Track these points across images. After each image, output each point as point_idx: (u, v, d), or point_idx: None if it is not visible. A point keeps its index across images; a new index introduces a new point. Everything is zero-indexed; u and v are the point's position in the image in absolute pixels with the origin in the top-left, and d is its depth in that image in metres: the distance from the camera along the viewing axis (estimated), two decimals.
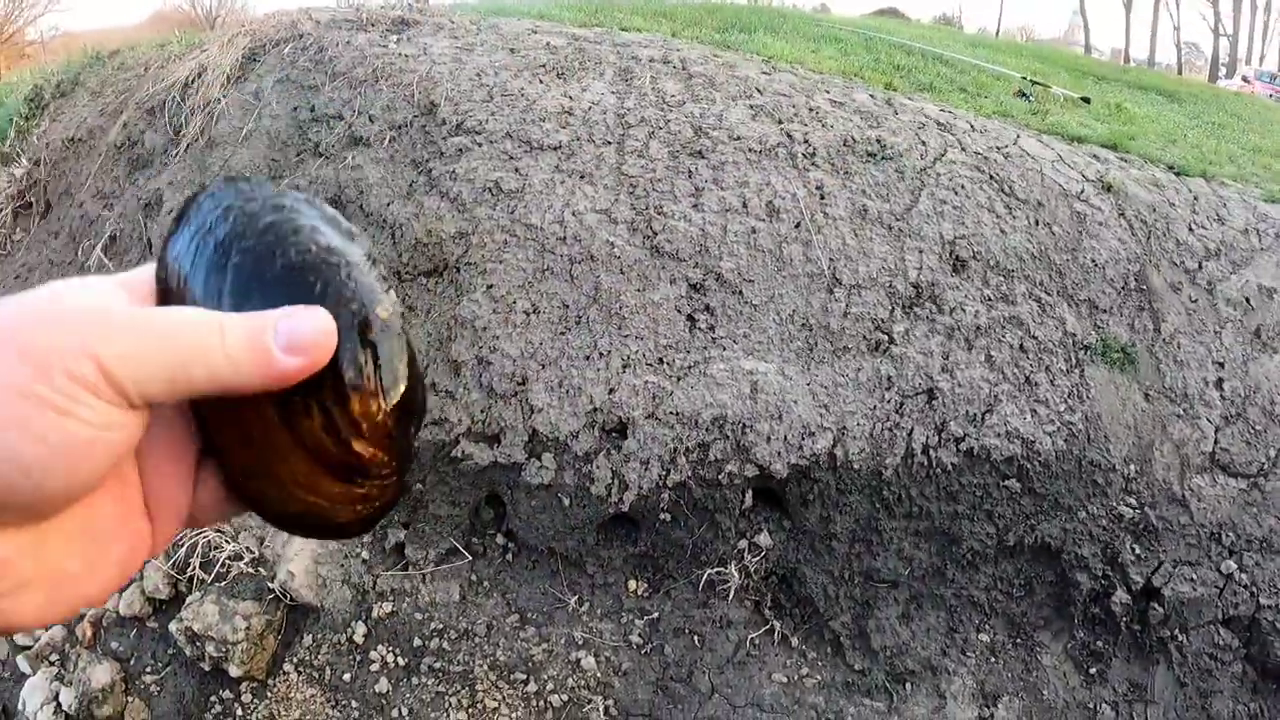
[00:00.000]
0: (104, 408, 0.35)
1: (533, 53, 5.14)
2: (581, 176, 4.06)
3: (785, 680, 3.31)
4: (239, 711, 3.47)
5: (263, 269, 0.40)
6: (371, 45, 5.10)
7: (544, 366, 3.47)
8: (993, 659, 3.44)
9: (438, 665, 3.28)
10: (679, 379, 3.48)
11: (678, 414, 3.40)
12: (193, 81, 5.33)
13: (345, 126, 4.56)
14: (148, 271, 0.43)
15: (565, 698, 3.20)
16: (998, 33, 35.93)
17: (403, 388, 0.42)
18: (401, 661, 3.31)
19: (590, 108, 4.50)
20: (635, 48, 5.36)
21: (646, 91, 4.73)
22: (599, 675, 3.26)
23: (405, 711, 3.24)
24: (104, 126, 5.73)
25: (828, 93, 4.99)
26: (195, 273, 0.41)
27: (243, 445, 0.40)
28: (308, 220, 0.42)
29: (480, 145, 4.24)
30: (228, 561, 3.50)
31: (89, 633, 3.93)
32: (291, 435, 0.40)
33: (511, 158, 4.15)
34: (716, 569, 3.38)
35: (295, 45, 5.33)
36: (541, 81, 4.78)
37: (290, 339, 0.38)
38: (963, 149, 4.50)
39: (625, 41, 5.53)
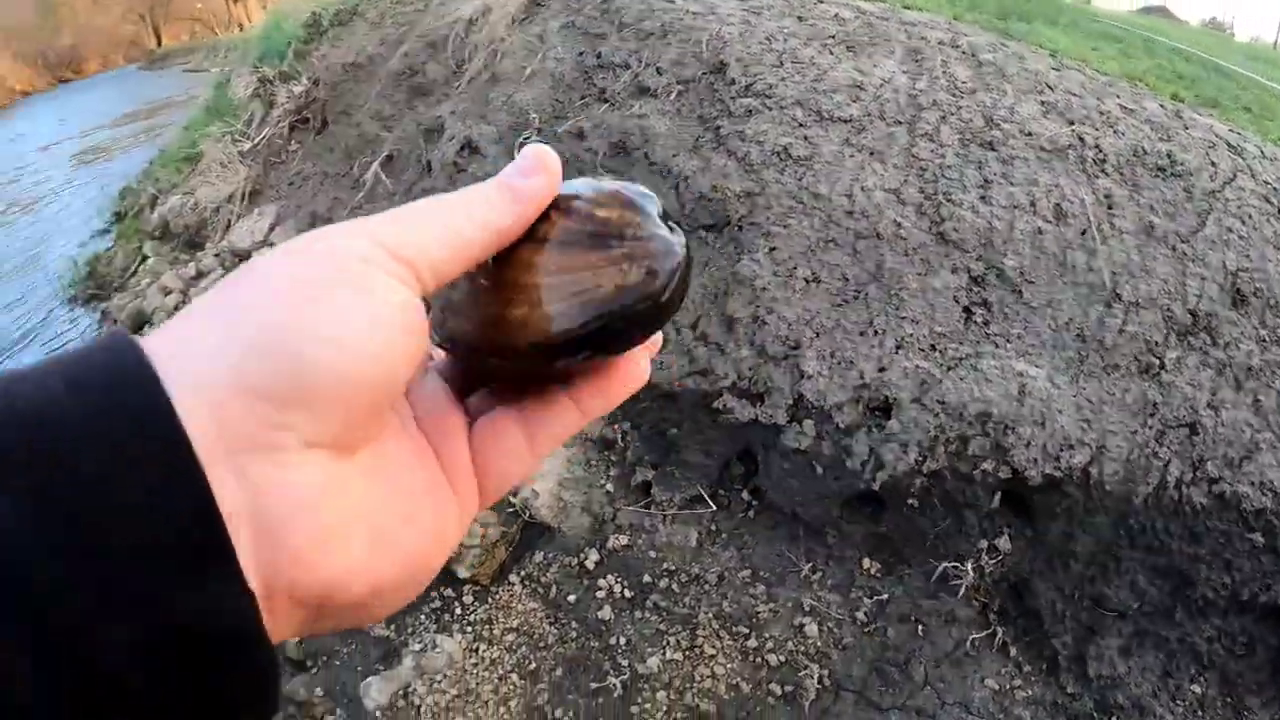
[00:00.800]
0: (397, 284, 0.38)
1: (821, 23, 5.68)
2: (871, 153, 4.53)
3: (996, 688, 3.61)
4: (458, 609, 4.08)
5: None
6: (658, 0, 5.82)
7: (818, 335, 3.94)
8: (1200, 713, 3.63)
9: (663, 604, 3.78)
10: (949, 369, 3.87)
11: (943, 403, 3.79)
12: (476, 20, 6.20)
13: (632, 76, 5.24)
14: None
15: (782, 659, 3.62)
16: (1276, 44, 34.05)
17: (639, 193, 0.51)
18: (628, 594, 3.79)
19: (881, 85, 4.98)
20: (922, 28, 5.79)
21: (938, 75, 5.16)
22: (819, 644, 3.65)
23: (623, 641, 3.75)
24: (384, 55, 6.73)
25: (1118, 97, 5.17)
26: None
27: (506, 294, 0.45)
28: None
29: (769, 109, 4.80)
30: None
31: None
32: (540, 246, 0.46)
33: (801, 125, 4.69)
34: (953, 563, 3.72)
35: None
36: (831, 53, 5.30)
37: (520, 166, 0.46)
38: (1253, 176, 4.60)
39: (912, 21, 5.98)
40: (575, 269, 0.45)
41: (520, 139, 5.05)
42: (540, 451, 0.49)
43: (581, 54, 5.44)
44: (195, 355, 0.33)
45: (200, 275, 7.55)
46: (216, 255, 7.60)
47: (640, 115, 4.76)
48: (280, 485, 0.34)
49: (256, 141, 8.01)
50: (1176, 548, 3.61)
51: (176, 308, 7.26)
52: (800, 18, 5.73)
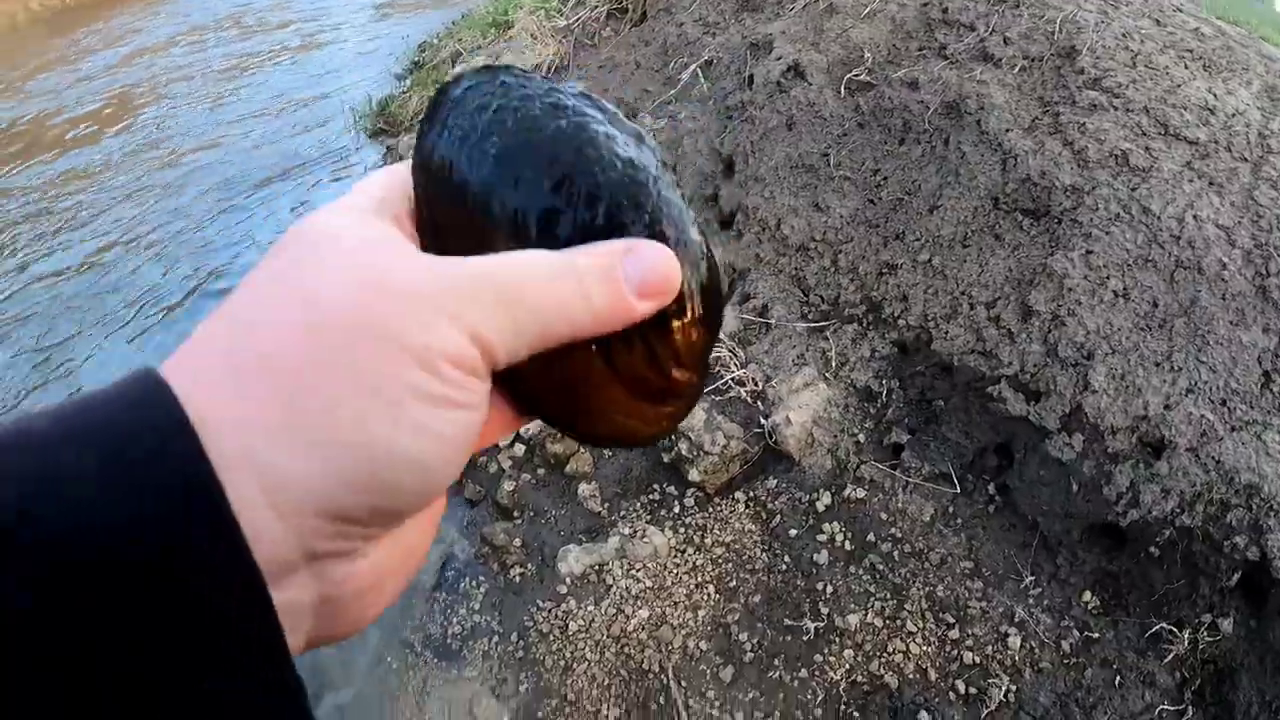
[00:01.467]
0: (479, 385, 0.41)
1: (1179, 33, 5.83)
2: (1211, 183, 4.74)
3: None
4: (676, 508, 4.57)
5: (564, 191, 0.45)
6: None
7: (1113, 352, 4.24)
8: None
9: (880, 567, 4.18)
10: (1233, 429, 4.12)
11: (1218, 462, 4.05)
12: None
13: (976, 39, 5.53)
14: (388, 184, 0.49)
15: (977, 660, 3.93)
16: None
17: (716, 309, 0.51)
18: (849, 547, 4.02)
19: (1233, 115, 5.14)
20: None
21: None
22: (1016, 658, 3.96)
23: (830, 590, 4.12)
24: None
25: None
26: (489, 192, 0.46)
27: (556, 379, 0.47)
28: (599, 126, 0.47)
29: (1115, 109, 5.04)
30: (731, 382, 4.70)
31: None
32: (611, 369, 0.47)
33: (1144, 134, 4.93)
34: (1171, 626, 4.04)
35: None
36: (1186, 67, 5.48)
37: (642, 281, 0.44)
38: None
39: (1271, 55, 6.09)
40: (631, 414, 0.50)
41: (850, 74, 5.46)
42: None
43: (926, 4, 5.77)
44: (270, 468, 0.35)
45: None
46: None
47: (980, 81, 5.08)
48: (350, 576, 0.40)
49: (571, 21, 8.78)
50: None
51: None
52: (1158, 22, 5.90)
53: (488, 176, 0.46)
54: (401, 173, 0.50)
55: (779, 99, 5.48)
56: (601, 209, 0.46)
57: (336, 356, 0.37)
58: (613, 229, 0.46)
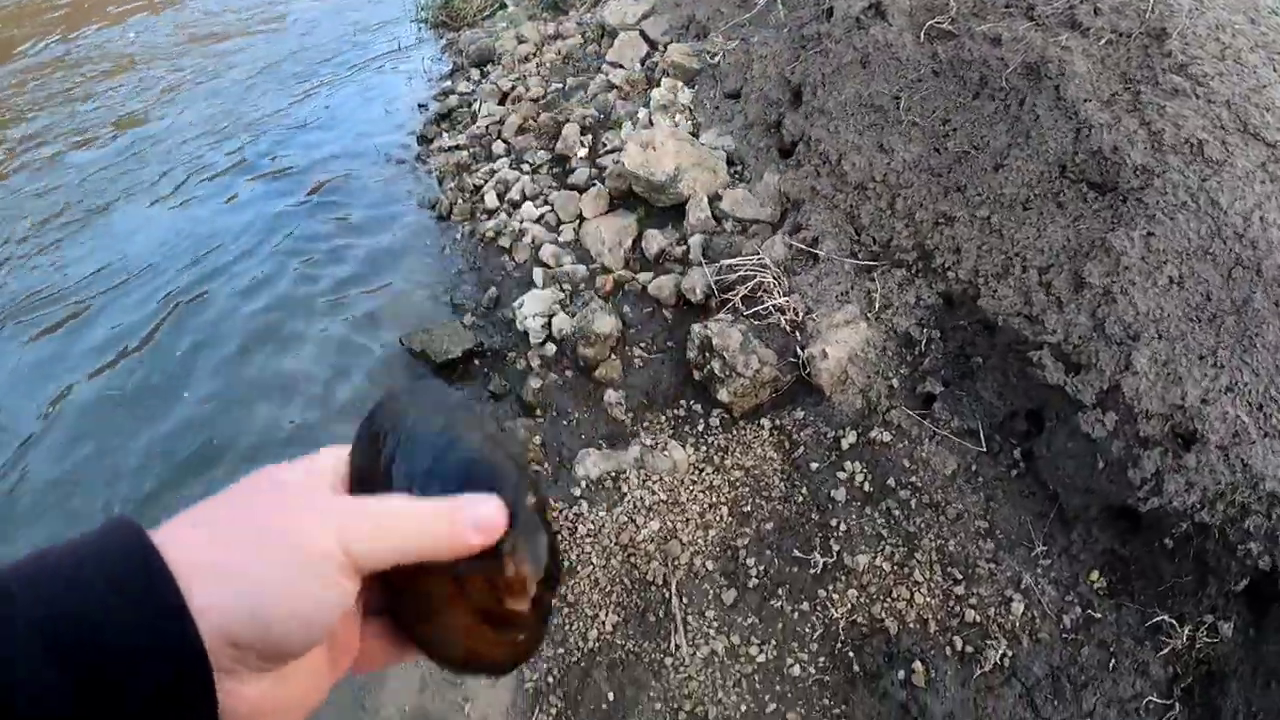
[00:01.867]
0: (346, 581, 0.58)
1: (1272, 34, 5.73)
2: None
3: None
4: (700, 426, 4.50)
5: (444, 467, 0.66)
6: None
7: (1159, 337, 4.18)
8: None
9: (895, 513, 4.14)
10: (1266, 435, 4.10)
11: (1246, 465, 4.02)
12: None
13: (1066, 4, 5.31)
14: (331, 461, 0.69)
15: (978, 619, 3.91)
16: None
17: (545, 562, 0.67)
18: (867, 488, 4.00)
19: None
20: None
21: None
22: (1017, 624, 3.92)
23: (843, 528, 4.06)
24: None
25: None
26: (392, 466, 0.67)
27: (420, 602, 0.64)
28: (474, 435, 0.69)
29: (1197, 98, 4.92)
30: (772, 309, 4.62)
31: (609, 287, 5.22)
32: (459, 589, 0.63)
33: (1222, 127, 4.83)
34: (1173, 620, 4.05)
35: None
36: (1275, 70, 5.40)
37: (476, 519, 0.62)
38: None
39: None
40: (475, 634, 0.65)
41: (932, 20, 5.32)
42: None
43: None
44: (213, 609, 0.53)
45: (558, 37, 8.45)
46: (579, 24, 8.46)
47: (1064, 47, 4.95)
48: (239, 694, 0.55)
49: None
50: None
51: (526, 58, 8.31)
52: (1253, 20, 5.76)
53: (394, 455, 0.68)
54: (340, 454, 0.71)
55: (856, 35, 5.35)
56: (461, 479, 0.67)
57: (264, 540, 0.57)
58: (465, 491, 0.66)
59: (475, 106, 7.92)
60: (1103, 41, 4.98)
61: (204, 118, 9.30)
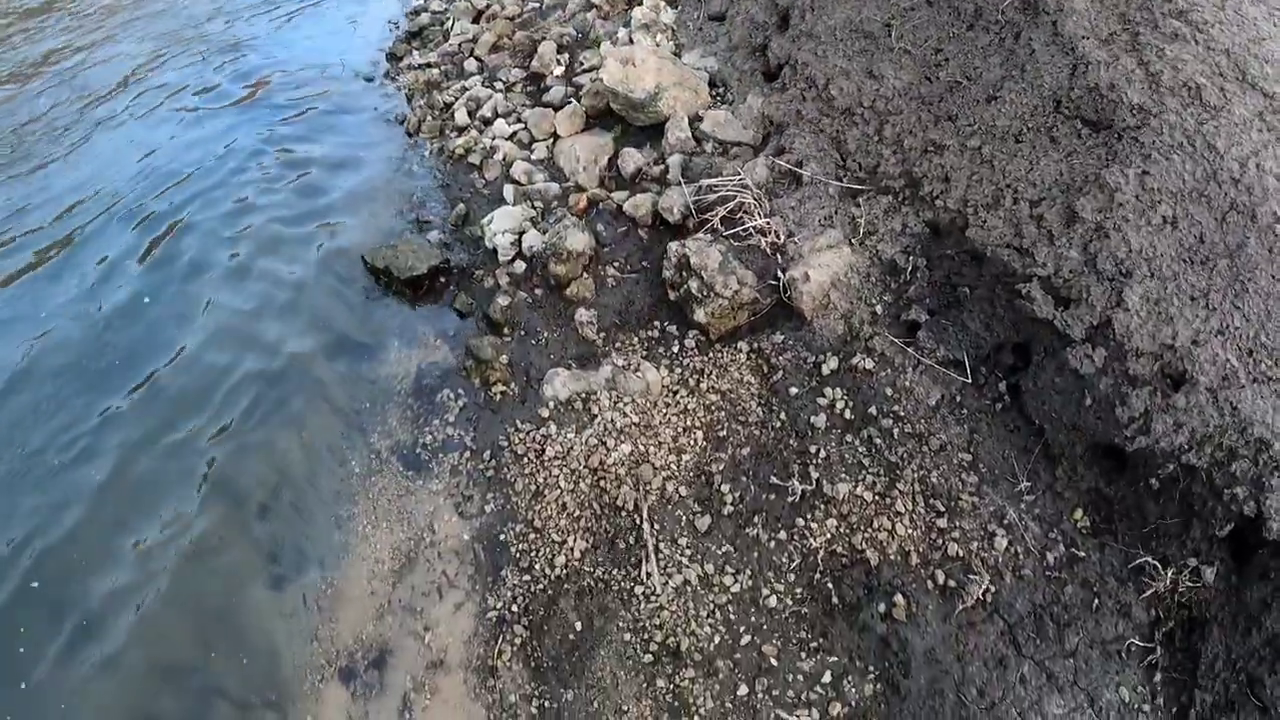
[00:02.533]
0: None
1: None
2: (1279, 138, 4.56)
3: (1125, 700, 3.83)
4: (676, 348, 4.24)
5: None
6: None
7: (1152, 275, 4.01)
8: None
9: (877, 441, 3.94)
10: (1256, 380, 3.95)
11: (1235, 409, 3.87)
12: None
13: None
14: None
15: (960, 553, 3.72)
16: None
17: None
18: (848, 416, 3.83)
19: None
20: None
21: None
22: (1000, 559, 3.74)
23: (823, 455, 3.87)
24: None
25: None
26: None
27: None
28: None
29: (1196, 44, 4.75)
30: (753, 230, 4.35)
31: (583, 205, 4.92)
32: None
33: (1221, 75, 4.65)
34: (1156, 562, 3.93)
35: None
36: (1276, 25, 5.25)
37: None
38: None
39: None
40: None
41: None
42: None
43: None
44: None
45: None
46: None
47: None
48: None
49: None
50: None
51: None
52: None
53: None
54: None
55: None
56: None
57: None
58: None
59: (448, 24, 7.63)
60: None
61: (166, 37, 8.85)
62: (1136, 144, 4.07)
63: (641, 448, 3.80)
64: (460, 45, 6.83)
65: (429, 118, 6.22)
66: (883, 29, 4.81)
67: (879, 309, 3.98)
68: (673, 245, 4.14)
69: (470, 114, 6.01)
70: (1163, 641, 3.67)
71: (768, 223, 4.13)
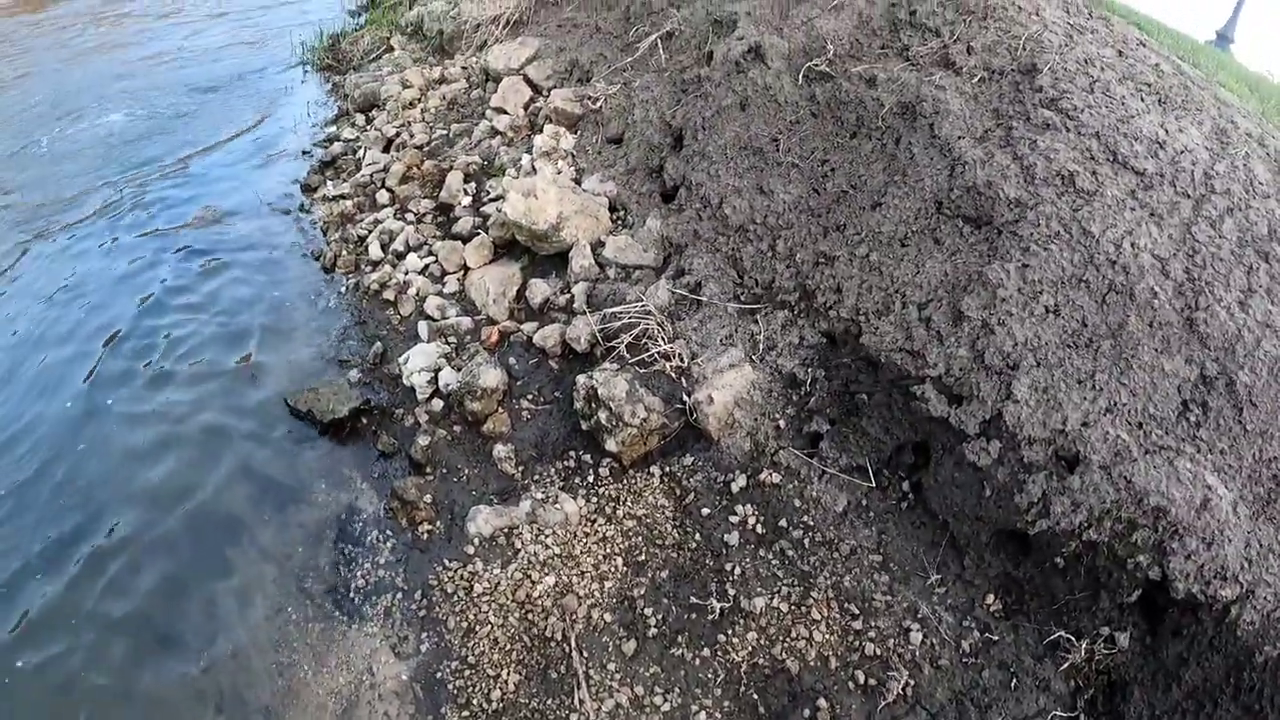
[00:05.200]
0: None
1: (1140, 66, 5.99)
2: (1152, 214, 4.90)
3: None
4: (590, 477, 4.54)
5: None
6: None
7: (1038, 365, 4.35)
8: None
9: (789, 553, 4.20)
10: (1147, 452, 4.27)
11: (1129, 482, 4.18)
12: None
13: (940, 44, 5.58)
14: None
15: (878, 651, 3.90)
16: None
17: None
18: (760, 530, 4.07)
19: (1182, 152, 5.35)
20: (1235, 112, 6.10)
21: (1238, 165, 5.51)
22: (917, 653, 3.96)
23: (739, 572, 4.09)
24: None
25: None
26: None
27: None
28: None
29: (1068, 131, 5.18)
30: (658, 356, 4.74)
31: (494, 339, 5.29)
32: None
33: (1093, 159, 5.09)
34: (1069, 636, 4.17)
35: None
36: (1143, 100, 5.68)
37: None
38: None
39: (1226, 100, 6.35)
40: None
41: (808, 64, 5.56)
42: None
43: (895, 5, 5.88)
44: None
45: (443, 81, 8.70)
46: (464, 69, 8.73)
47: (938, 86, 5.20)
48: None
49: None
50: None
51: (411, 103, 8.53)
52: (1120, 53, 6.09)
53: None
54: None
55: (736, 79, 5.57)
56: None
57: None
58: None
59: (360, 154, 7.99)
60: (975, 80, 5.23)
61: (72, 158, 9.34)
62: (1015, 238, 4.44)
63: (565, 578, 4.08)
64: (372, 176, 7.19)
65: (344, 252, 6.53)
66: (771, 144, 5.22)
67: (782, 423, 4.32)
68: (580, 378, 4.48)
69: (384, 247, 6.34)
70: (1085, 709, 3.93)
71: (671, 347, 4.48)
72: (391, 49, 10.30)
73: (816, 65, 5.15)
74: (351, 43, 10.84)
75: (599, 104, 6.23)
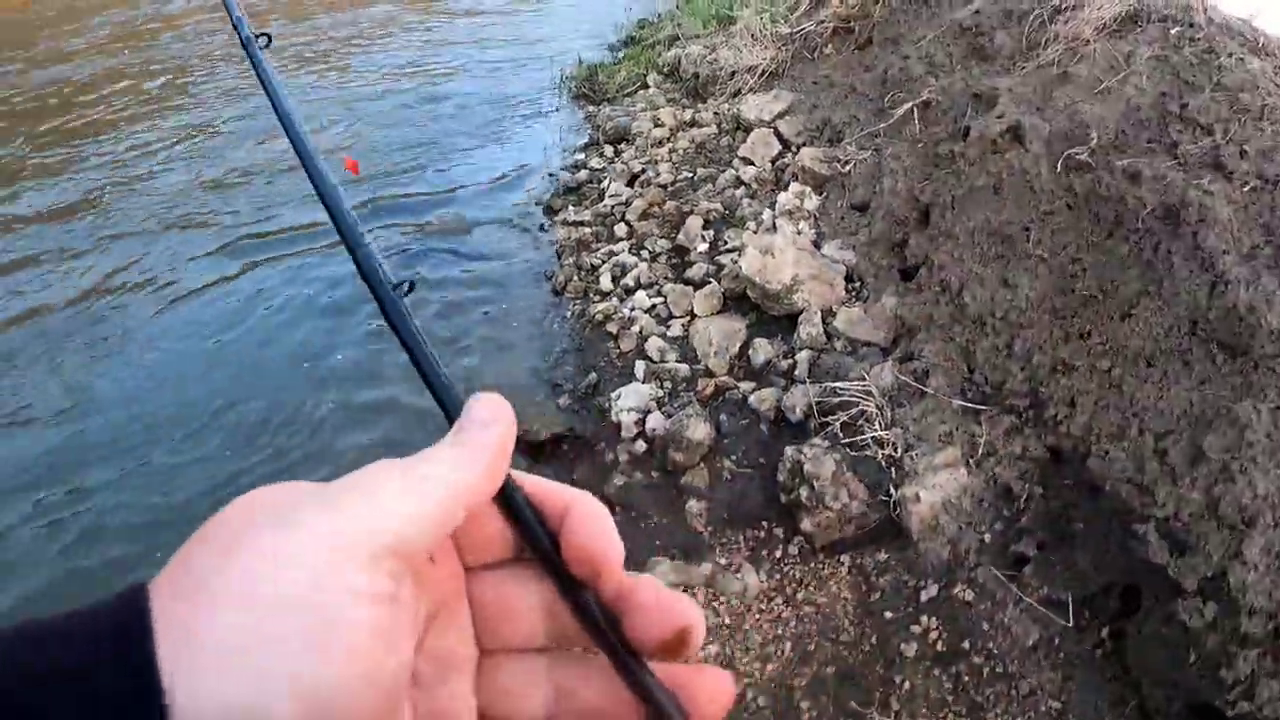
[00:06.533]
0: (371, 604, 0.43)
1: None
2: None
3: None
4: (779, 553, 4.34)
5: None
6: (1266, 74, 5.81)
7: (1277, 526, 4.07)
8: None
9: (965, 679, 3.66)
10: None
11: None
12: (1065, 9, 6.45)
13: (1211, 144, 5.27)
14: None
15: None
16: None
17: None
18: (940, 647, 3.90)
19: None
20: None
21: None
22: None
23: (907, 686, 3.81)
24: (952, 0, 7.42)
25: None
26: None
27: None
28: None
29: None
30: (870, 440, 4.63)
31: (709, 392, 5.33)
32: None
33: None
34: None
35: (1183, 30, 6.19)
36: None
37: (475, 418, 0.51)
38: None
39: None
40: None
41: (1069, 150, 5.33)
42: None
43: (1165, 95, 5.54)
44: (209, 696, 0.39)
45: (694, 124, 8.84)
46: (715, 114, 8.82)
47: (1206, 190, 4.84)
48: None
49: (795, 31, 8.97)
50: None
51: (660, 141, 8.69)
52: None
53: None
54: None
55: (990, 159, 5.38)
56: None
57: (260, 594, 0.42)
58: None
59: (604, 184, 8.18)
60: (1247, 188, 4.90)
61: (353, 151, 10.10)
62: (1273, 374, 4.15)
63: (729, 650, 4.02)
64: (613, 207, 7.34)
65: (575, 278, 6.68)
66: (1021, 233, 5.02)
67: (987, 537, 4.14)
68: (789, 449, 4.41)
69: (614, 280, 6.45)
70: None
71: (886, 434, 4.37)
72: (646, 86, 10.53)
73: (1077, 154, 4.91)
74: (608, 75, 11.15)
75: (847, 167, 6.15)
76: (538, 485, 0.54)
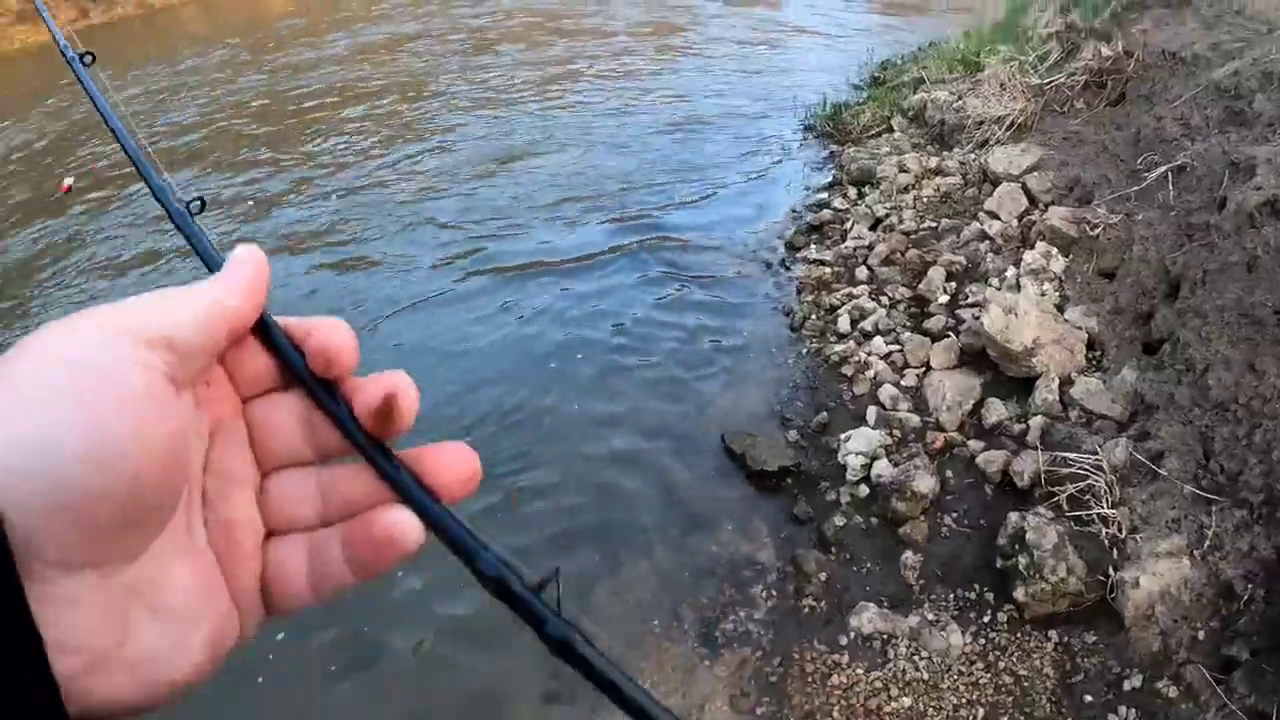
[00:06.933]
0: (144, 374, 0.46)
1: None
2: None
3: None
4: (986, 617, 4.36)
5: None
6: None
7: None
8: None
9: None
10: None
11: None
12: None
13: None
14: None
15: None
16: None
17: None
18: None
19: None
20: None
21: None
22: None
23: None
24: (1210, 61, 6.88)
25: None
26: None
27: None
28: None
29: None
30: (1097, 517, 4.48)
31: (939, 445, 5.40)
32: None
33: None
34: None
35: None
36: None
37: (233, 257, 0.55)
38: None
39: None
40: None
41: None
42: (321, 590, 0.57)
43: None
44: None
45: (939, 172, 8.82)
46: (961, 163, 8.77)
47: None
48: (63, 619, 0.42)
49: (1045, 83, 8.84)
50: None
51: (905, 188, 8.75)
52: None
53: None
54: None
55: (1247, 234, 5.17)
56: None
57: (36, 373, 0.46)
58: None
59: (847, 226, 8.29)
60: None
61: (599, 173, 10.85)
62: None
63: (922, 707, 4.07)
64: (855, 250, 7.44)
65: (813, 316, 6.83)
66: (1273, 316, 4.84)
67: (1202, 635, 4.04)
68: (1013, 515, 4.43)
69: (853, 323, 6.56)
70: None
71: (1113, 513, 4.35)
72: (891, 129, 10.54)
73: None
74: (853, 115, 11.21)
75: (1096, 230, 6.04)
76: (291, 320, 0.58)
